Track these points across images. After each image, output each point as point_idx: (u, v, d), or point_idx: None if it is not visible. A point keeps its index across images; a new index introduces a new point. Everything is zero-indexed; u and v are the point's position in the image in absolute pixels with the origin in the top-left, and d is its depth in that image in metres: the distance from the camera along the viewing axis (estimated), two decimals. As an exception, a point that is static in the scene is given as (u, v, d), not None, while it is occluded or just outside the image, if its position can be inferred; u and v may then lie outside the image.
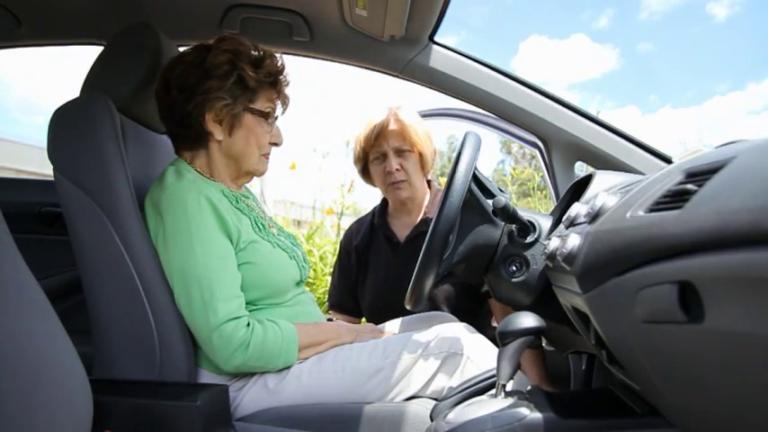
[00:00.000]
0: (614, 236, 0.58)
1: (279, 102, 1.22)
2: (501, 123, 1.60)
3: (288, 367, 1.09)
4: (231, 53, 1.14)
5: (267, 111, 1.18)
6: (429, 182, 1.66)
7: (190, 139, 1.18)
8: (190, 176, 1.11)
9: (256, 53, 1.17)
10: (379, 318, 1.46)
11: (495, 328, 0.84)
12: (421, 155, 1.55)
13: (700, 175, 0.50)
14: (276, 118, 1.23)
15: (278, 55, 1.20)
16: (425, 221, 1.57)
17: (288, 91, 1.23)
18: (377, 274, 1.61)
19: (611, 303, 0.58)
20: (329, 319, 1.36)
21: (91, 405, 0.77)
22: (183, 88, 1.13)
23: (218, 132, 1.15)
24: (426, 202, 1.62)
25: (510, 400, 0.77)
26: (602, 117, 1.56)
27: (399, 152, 1.53)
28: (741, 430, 0.47)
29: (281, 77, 1.20)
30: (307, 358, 1.12)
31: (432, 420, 0.87)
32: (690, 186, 0.49)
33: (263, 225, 1.20)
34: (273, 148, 1.25)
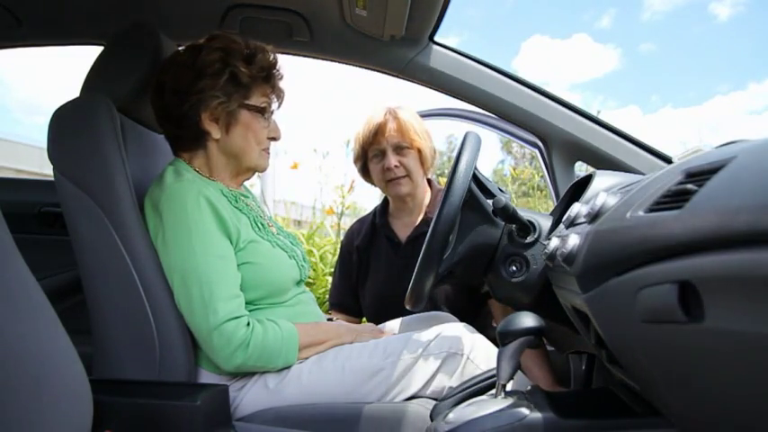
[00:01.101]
0: (614, 236, 0.58)
1: (274, 96, 1.21)
2: (501, 123, 1.60)
3: (288, 367, 1.09)
4: (222, 51, 1.13)
5: (263, 106, 1.18)
6: (430, 181, 1.66)
7: (188, 140, 1.18)
8: (189, 176, 1.11)
9: (248, 49, 1.16)
10: (379, 318, 1.46)
11: (496, 328, 0.84)
12: (420, 152, 1.55)
13: (700, 175, 0.50)
14: (272, 112, 1.23)
15: (269, 48, 1.19)
16: (426, 221, 1.57)
17: (282, 84, 1.23)
18: (378, 274, 1.61)
19: (611, 303, 0.58)
20: (329, 319, 1.36)
21: (91, 405, 0.77)
22: (177, 90, 1.13)
23: (215, 131, 1.15)
24: (427, 202, 1.62)
25: (510, 400, 0.77)
26: (604, 117, 1.57)
27: (398, 149, 1.53)
28: (741, 430, 0.47)
29: (274, 71, 1.19)
30: (307, 358, 1.11)
31: (432, 420, 0.87)
32: (690, 186, 0.49)
33: (262, 224, 1.20)
34: (273, 145, 1.25)
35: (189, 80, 1.12)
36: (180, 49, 1.20)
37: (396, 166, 1.53)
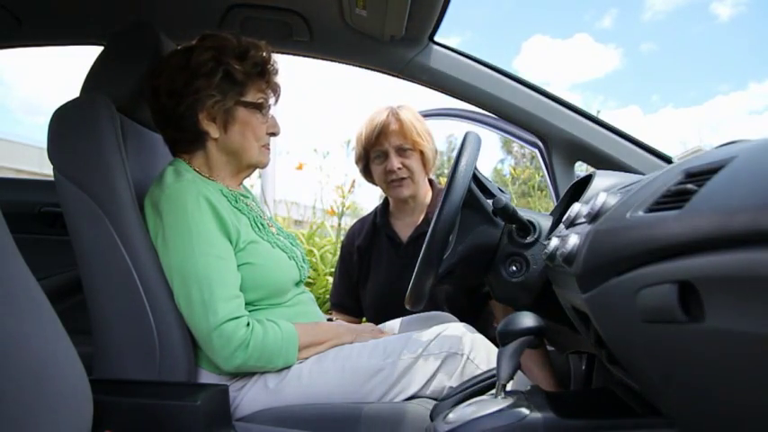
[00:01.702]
0: (614, 236, 0.58)
1: (270, 91, 1.21)
2: (501, 123, 1.60)
3: (288, 367, 1.09)
4: (214, 50, 1.13)
5: (259, 102, 1.18)
6: (431, 181, 1.66)
7: (187, 142, 1.18)
8: (189, 176, 1.11)
9: (240, 46, 1.16)
10: (380, 318, 1.46)
11: (496, 328, 0.84)
12: (422, 153, 1.55)
13: (700, 175, 0.50)
14: (269, 107, 1.22)
15: (261, 44, 1.19)
16: (428, 221, 1.57)
17: (278, 79, 1.22)
18: (379, 273, 1.61)
19: (611, 303, 0.58)
20: (329, 319, 1.36)
21: (91, 405, 0.77)
22: (172, 92, 1.13)
23: (213, 130, 1.15)
24: (428, 202, 1.62)
25: (510, 400, 0.77)
26: (604, 117, 1.57)
27: (400, 151, 1.54)
28: (741, 429, 0.47)
29: (268, 67, 1.19)
30: (307, 358, 1.12)
31: (432, 420, 0.87)
32: (690, 186, 0.49)
33: (262, 225, 1.20)
34: (273, 145, 1.25)
35: (183, 81, 1.12)
36: (171, 51, 1.20)
37: (399, 168, 1.53)
